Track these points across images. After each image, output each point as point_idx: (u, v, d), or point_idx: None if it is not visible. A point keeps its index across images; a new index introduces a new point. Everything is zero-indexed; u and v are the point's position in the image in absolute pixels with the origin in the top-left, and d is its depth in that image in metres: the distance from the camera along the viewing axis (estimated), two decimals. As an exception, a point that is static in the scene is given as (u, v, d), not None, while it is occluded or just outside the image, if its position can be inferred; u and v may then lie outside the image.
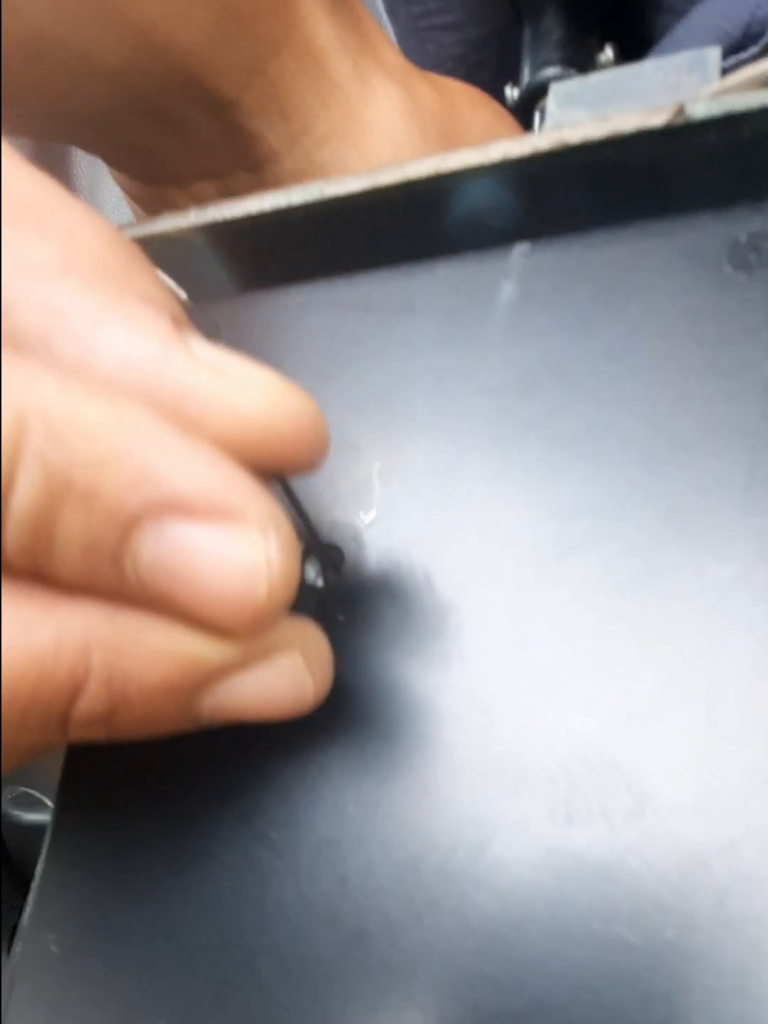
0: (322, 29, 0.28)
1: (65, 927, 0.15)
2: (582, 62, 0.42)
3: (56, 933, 0.15)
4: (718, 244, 0.15)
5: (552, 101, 0.21)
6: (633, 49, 0.45)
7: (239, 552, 0.11)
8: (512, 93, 0.43)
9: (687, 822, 0.12)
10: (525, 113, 0.42)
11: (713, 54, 0.19)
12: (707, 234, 0.15)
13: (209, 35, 0.26)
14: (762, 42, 0.41)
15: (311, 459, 0.13)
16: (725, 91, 0.15)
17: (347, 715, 0.15)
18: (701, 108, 0.15)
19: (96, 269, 0.14)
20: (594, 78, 0.20)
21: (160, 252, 0.21)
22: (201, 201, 0.26)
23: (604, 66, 0.43)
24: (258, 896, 0.14)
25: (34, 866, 0.16)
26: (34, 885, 0.16)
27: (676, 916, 0.12)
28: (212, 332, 0.20)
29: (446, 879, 0.13)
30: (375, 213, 0.18)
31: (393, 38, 0.52)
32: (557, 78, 0.42)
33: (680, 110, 0.15)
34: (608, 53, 0.43)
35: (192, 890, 0.15)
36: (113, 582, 0.11)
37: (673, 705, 0.13)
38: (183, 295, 0.21)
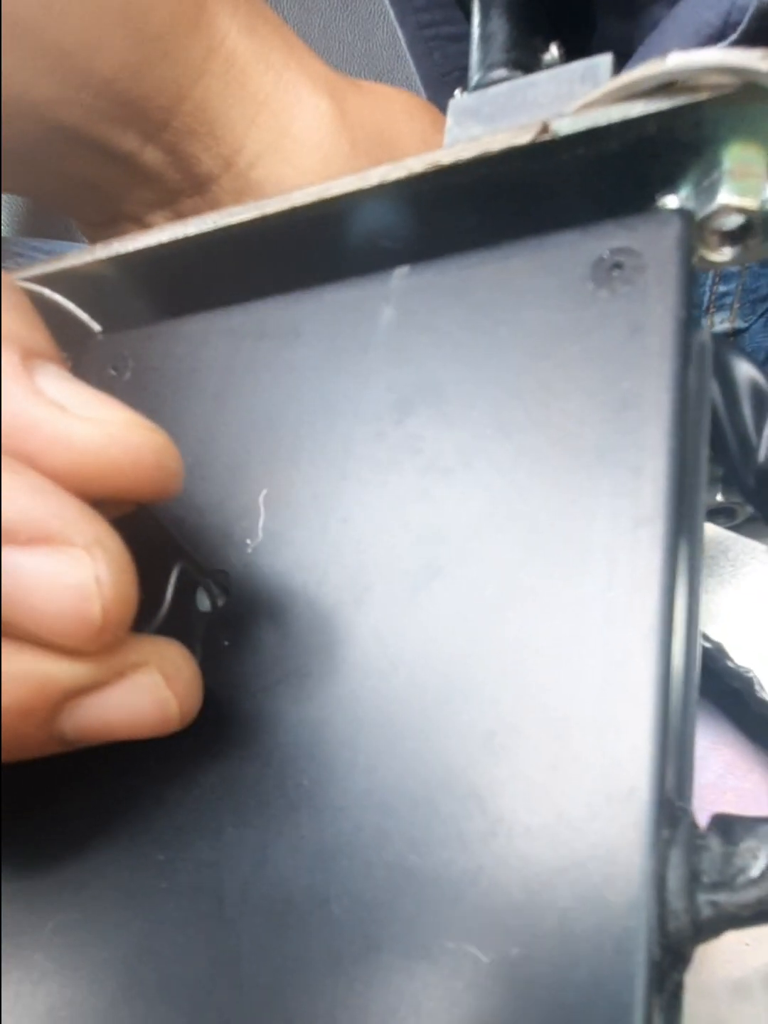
0: (241, 47, 0.28)
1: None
2: (528, 63, 0.42)
3: None
4: (582, 261, 0.15)
5: (450, 117, 0.21)
6: (579, 48, 0.45)
7: (66, 574, 0.12)
8: (461, 95, 0.43)
9: (535, 844, 0.12)
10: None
11: (604, 62, 0.19)
12: (573, 251, 0.15)
13: (128, 60, 0.26)
14: (740, 29, 0.41)
15: (157, 488, 0.13)
16: (589, 105, 0.15)
17: (229, 737, 0.15)
18: (566, 124, 0.15)
19: None
20: (491, 91, 0.21)
21: (72, 286, 0.21)
22: None
23: (550, 66, 0.43)
24: (143, 913, 0.14)
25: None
26: None
27: (522, 935, 0.12)
28: (119, 362, 0.20)
29: (312, 895, 0.13)
30: (266, 241, 0.18)
31: (404, 45, 0.53)
32: (503, 80, 0.42)
33: (545, 127, 0.16)
34: (554, 53, 0.43)
35: (87, 906, 0.15)
36: None
37: (528, 727, 0.13)
38: (96, 327, 0.21)
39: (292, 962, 0.13)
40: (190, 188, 0.31)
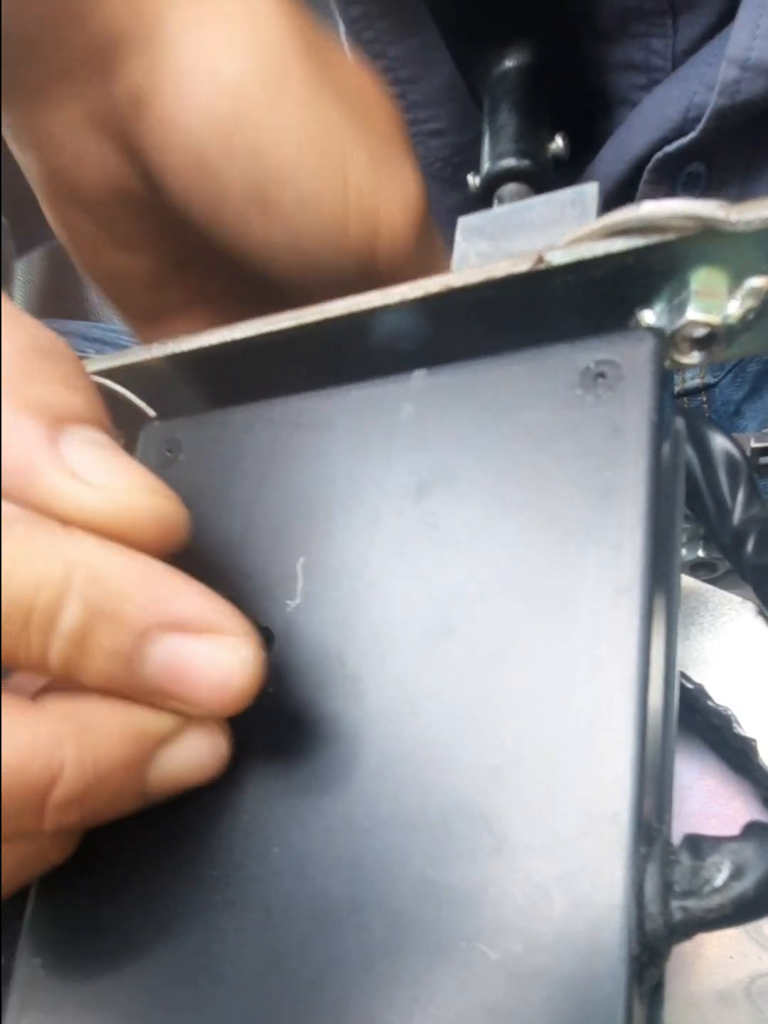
0: None
1: (51, 951, 0.17)
2: (535, 153, 0.45)
3: (42, 957, 0.17)
4: (572, 370, 0.17)
5: (459, 234, 0.23)
6: (584, 138, 0.48)
7: (224, 657, 0.15)
8: (474, 181, 0.45)
9: (536, 858, 0.14)
10: (485, 199, 0.45)
11: (591, 190, 0.22)
12: (563, 361, 0.17)
13: None
14: (698, 127, 0.44)
15: (158, 544, 0.16)
16: (578, 240, 0.18)
17: (274, 771, 0.17)
18: (558, 255, 0.18)
19: None
20: (494, 212, 0.23)
21: (132, 377, 0.23)
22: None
23: (556, 154, 0.45)
24: (201, 921, 0.16)
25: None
26: (27, 919, 0.19)
27: (525, 934, 0.14)
28: (173, 445, 0.22)
29: (346, 904, 0.15)
30: (303, 344, 0.21)
31: None
32: (513, 169, 0.44)
33: (540, 258, 0.18)
34: (558, 143, 0.46)
35: (151, 915, 0.17)
36: (124, 681, 0.14)
37: (526, 761, 0.15)
38: (151, 412, 0.24)
39: (330, 961, 0.15)
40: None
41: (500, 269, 0.18)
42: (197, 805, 0.17)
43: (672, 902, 0.13)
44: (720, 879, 0.13)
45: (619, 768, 0.14)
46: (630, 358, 0.17)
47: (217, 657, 0.15)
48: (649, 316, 0.18)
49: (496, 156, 0.44)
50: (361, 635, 0.17)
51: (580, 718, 0.15)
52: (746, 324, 0.18)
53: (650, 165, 0.45)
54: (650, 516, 0.15)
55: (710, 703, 0.23)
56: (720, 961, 0.23)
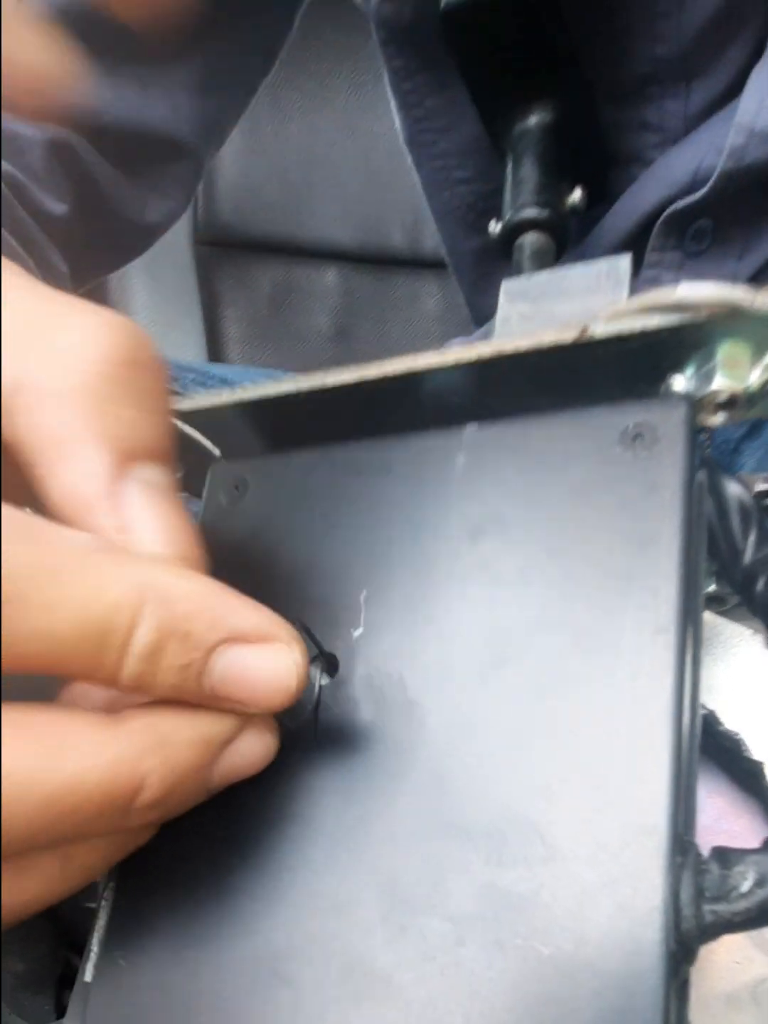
0: None
1: (130, 947, 0.19)
2: (554, 203, 0.47)
3: (123, 950, 0.19)
4: (613, 430, 0.19)
5: (503, 296, 0.25)
6: (599, 190, 0.50)
7: (279, 661, 0.16)
8: (495, 227, 0.47)
9: (584, 866, 0.15)
10: (506, 245, 0.46)
11: (624, 262, 0.24)
12: (605, 422, 0.19)
13: None
14: (706, 186, 0.45)
15: None
16: (618, 315, 0.19)
17: (340, 783, 0.18)
18: (600, 328, 0.19)
19: (72, 399, 0.17)
20: (535, 277, 0.25)
21: (202, 420, 0.25)
22: None
23: (573, 206, 0.47)
24: (273, 922, 0.18)
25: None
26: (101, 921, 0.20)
27: (574, 933, 0.15)
28: (240, 483, 0.24)
29: (415, 903, 0.16)
30: (363, 396, 0.22)
31: (420, 185, 0.58)
32: (533, 219, 0.46)
33: (585, 329, 0.20)
34: (577, 195, 0.48)
35: (229, 917, 0.18)
36: (192, 690, 0.16)
37: (574, 779, 0.16)
38: (216, 452, 0.25)
39: (397, 957, 0.16)
40: None
41: (548, 338, 0.20)
42: (272, 813, 0.19)
43: (704, 906, 0.15)
44: (746, 886, 0.15)
45: (658, 787, 0.15)
46: (666, 422, 0.18)
47: (273, 662, 0.16)
48: (680, 382, 0.20)
49: (517, 206, 0.46)
50: (421, 663, 0.19)
51: (623, 742, 0.16)
52: (765, 392, 0.19)
53: (661, 219, 0.47)
54: (684, 565, 0.17)
55: (721, 728, 0.24)
56: (727, 967, 0.24)
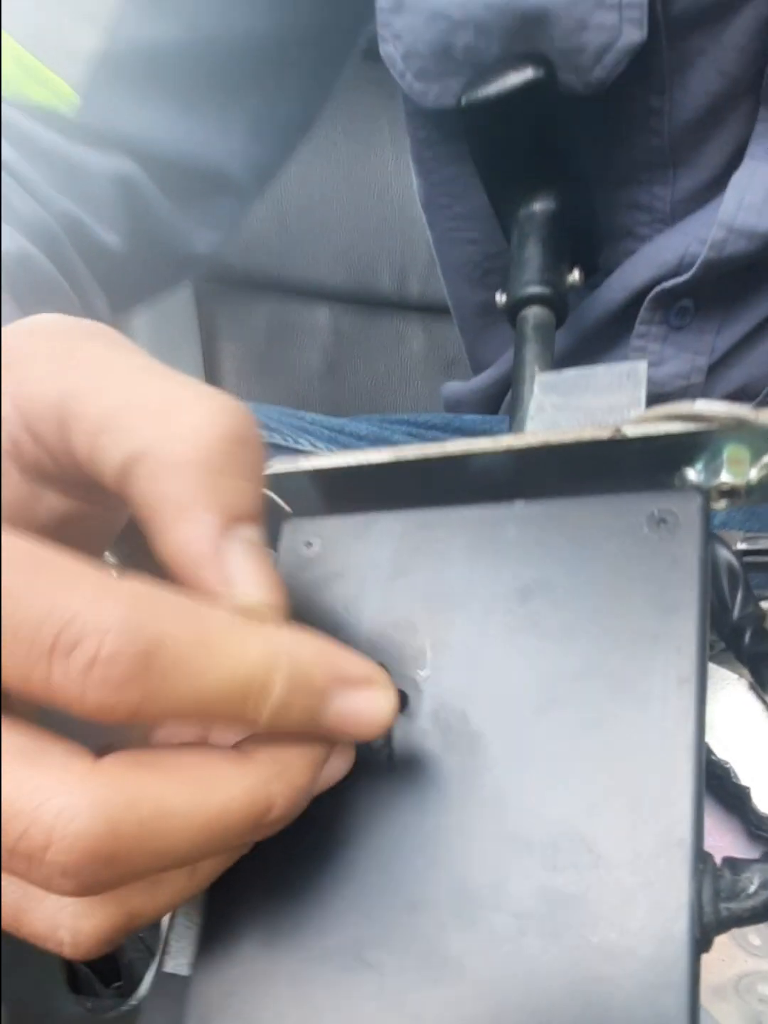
0: None
1: (229, 940, 0.22)
2: (555, 282, 0.51)
3: (222, 943, 0.22)
4: (641, 514, 0.22)
5: (537, 387, 0.28)
6: (593, 262, 0.54)
7: (379, 701, 0.19)
8: (501, 298, 0.51)
9: (624, 871, 0.19)
10: (511, 315, 0.50)
11: (642, 367, 0.27)
12: (634, 506, 0.23)
13: None
14: (690, 271, 0.50)
15: None
16: (645, 420, 0.23)
17: (415, 801, 0.22)
18: (631, 430, 0.23)
19: (191, 469, 0.20)
20: (565, 374, 0.28)
21: (276, 483, 0.28)
22: None
23: (572, 285, 0.51)
24: (356, 918, 0.21)
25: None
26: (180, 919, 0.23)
27: (617, 925, 0.18)
28: (311, 540, 0.27)
29: (483, 900, 0.20)
30: (424, 470, 0.26)
31: (431, 242, 0.62)
32: (536, 295, 0.50)
33: (618, 429, 0.23)
34: (575, 275, 0.52)
35: (319, 914, 0.21)
36: (311, 727, 0.19)
37: (614, 801, 0.20)
38: (288, 509, 0.28)
39: (466, 947, 0.20)
40: None
41: (586, 434, 0.23)
42: (355, 826, 0.22)
43: (719, 904, 0.18)
44: (753, 888, 0.18)
45: (684, 807, 0.19)
46: (685, 509, 0.22)
47: (373, 703, 0.19)
48: (691, 474, 0.24)
49: (522, 284, 0.50)
50: (481, 701, 0.22)
51: (654, 770, 0.20)
52: (762, 485, 0.23)
53: (649, 296, 0.51)
54: (702, 628, 0.21)
55: (714, 757, 0.28)
56: (714, 963, 0.28)
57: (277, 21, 0.51)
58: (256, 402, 0.67)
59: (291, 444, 0.61)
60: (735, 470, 0.23)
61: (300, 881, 0.22)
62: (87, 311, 0.51)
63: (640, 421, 0.23)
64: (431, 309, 1.25)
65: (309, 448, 0.61)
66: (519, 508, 0.24)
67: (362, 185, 1.24)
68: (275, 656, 0.18)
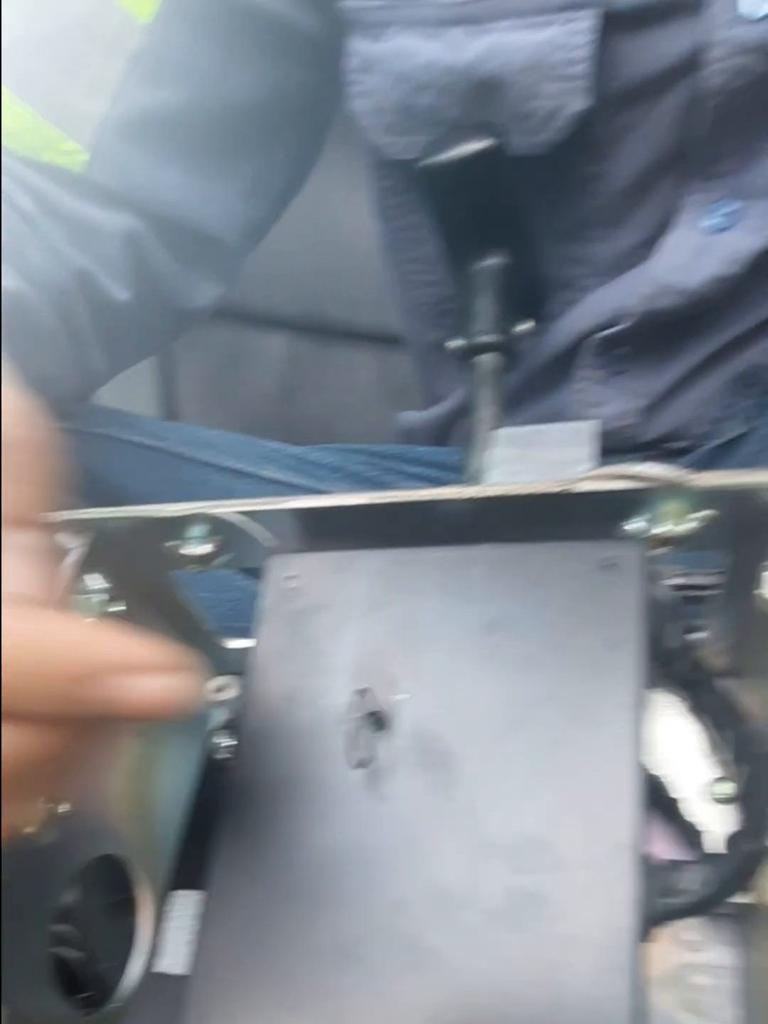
0: None
1: (227, 939, 0.24)
2: (506, 331, 0.54)
3: (221, 942, 0.24)
4: (593, 559, 0.25)
5: (499, 441, 0.31)
6: (540, 310, 0.58)
7: (162, 685, 0.19)
8: (457, 344, 0.54)
9: (579, 872, 0.21)
10: (465, 360, 0.53)
11: (593, 426, 0.30)
12: (587, 553, 0.25)
13: None
14: (626, 322, 0.53)
15: None
16: (595, 477, 0.26)
17: (393, 811, 0.24)
18: (582, 486, 0.26)
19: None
20: (523, 430, 0.31)
21: (264, 521, 0.30)
22: None
23: (521, 333, 0.54)
24: (343, 914, 0.23)
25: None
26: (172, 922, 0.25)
27: (574, 919, 0.21)
28: (293, 575, 0.29)
29: (459, 897, 0.22)
30: (398, 514, 0.28)
31: (393, 283, 0.65)
32: (489, 343, 0.53)
33: (570, 485, 0.26)
34: (526, 326, 0.55)
35: (308, 905, 0.23)
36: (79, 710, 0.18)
37: (572, 808, 0.22)
38: (273, 540, 0.30)
39: (445, 939, 0.22)
40: None
41: (543, 487, 0.26)
42: (341, 834, 0.24)
43: (660, 900, 0.21)
44: (685, 886, 0.21)
45: (630, 816, 0.22)
46: (629, 556, 0.25)
47: (156, 686, 0.18)
48: (634, 524, 0.26)
49: (476, 332, 0.53)
50: (452, 722, 0.25)
51: (605, 784, 0.22)
52: (694, 536, 0.26)
53: (589, 344, 0.55)
54: (643, 661, 0.23)
55: (650, 772, 0.30)
56: (657, 956, 0.30)
57: (271, 88, 0.54)
58: (220, 429, 0.69)
59: (255, 471, 0.62)
60: (671, 523, 0.26)
61: (292, 884, 0.24)
62: (82, 366, 0.53)
63: (590, 478, 0.26)
64: (381, 339, 1.27)
65: (272, 476, 0.63)
66: (484, 551, 0.27)
67: (315, 218, 1.27)
68: (16, 647, 0.18)
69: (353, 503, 0.29)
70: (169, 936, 0.27)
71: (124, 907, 0.42)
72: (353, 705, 0.25)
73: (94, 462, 0.55)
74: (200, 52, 0.51)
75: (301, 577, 0.29)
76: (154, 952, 0.27)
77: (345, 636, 0.27)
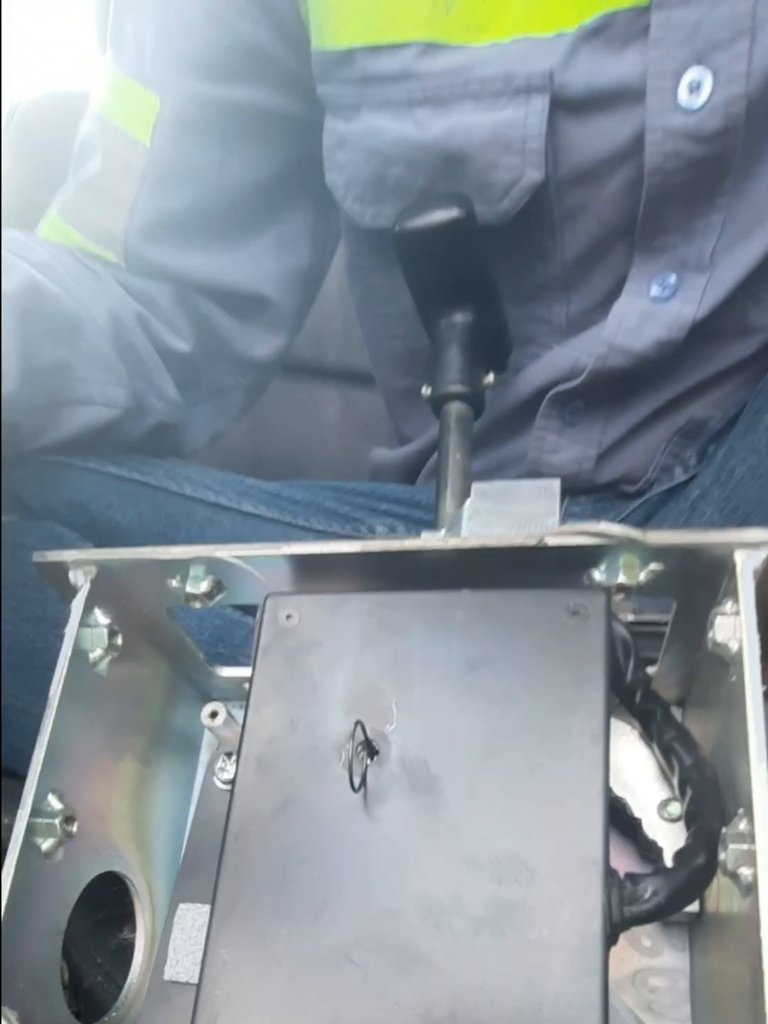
0: None
1: (234, 947, 0.25)
2: (473, 382, 0.56)
3: (228, 950, 0.25)
4: (561, 606, 0.28)
5: (474, 494, 0.33)
6: (503, 364, 0.61)
7: None
8: (426, 392, 0.56)
9: (553, 883, 0.24)
10: (436, 407, 0.56)
11: (555, 484, 0.33)
12: (556, 599, 0.28)
13: None
14: (580, 378, 0.56)
15: None
16: (562, 533, 0.28)
17: (386, 830, 0.26)
18: (551, 540, 0.28)
19: None
20: (495, 484, 0.34)
21: (260, 564, 0.32)
22: None
23: (488, 386, 0.57)
24: (346, 922, 0.25)
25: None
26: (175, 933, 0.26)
27: (549, 925, 0.23)
28: (290, 613, 0.31)
29: (441, 910, 0.24)
30: (386, 560, 0.30)
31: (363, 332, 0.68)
32: (457, 393, 0.56)
33: (541, 539, 0.28)
34: (490, 378, 0.58)
35: (307, 926, 0.25)
36: None
37: (545, 827, 0.24)
38: (264, 579, 0.32)
39: (433, 943, 0.24)
40: None
41: (517, 539, 0.29)
42: (338, 852, 0.26)
43: (624, 907, 0.23)
44: (648, 895, 0.23)
45: (597, 834, 0.24)
46: (593, 603, 0.27)
47: None
48: (596, 574, 0.29)
49: (445, 383, 0.55)
50: (438, 750, 0.27)
51: (574, 805, 0.25)
52: (648, 585, 0.29)
53: (548, 396, 0.58)
54: (607, 695, 0.26)
55: (612, 794, 0.33)
56: (614, 961, 0.32)
57: (271, 167, 0.58)
58: (196, 465, 0.70)
59: (235, 506, 0.64)
60: (628, 573, 0.28)
61: (294, 897, 0.26)
62: (158, 392, 0.59)
63: (559, 533, 0.29)
64: (347, 377, 1.30)
65: (251, 510, 0.65)
66: (465, 596, 0.29)
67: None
68: None
69: (346, 551, 0.31)
70: (177, 946, 0.29)
71: (112, 923, 0.44)
72: (348, 734, 0.27)
73: (84, 495, 0.57)
74: (199, 154, 0.55)
75: (296, 616, 0.31)
76: (163, 961, 0.28)
77: (338, 671, 0.29)
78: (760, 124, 0.46)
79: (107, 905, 0.43)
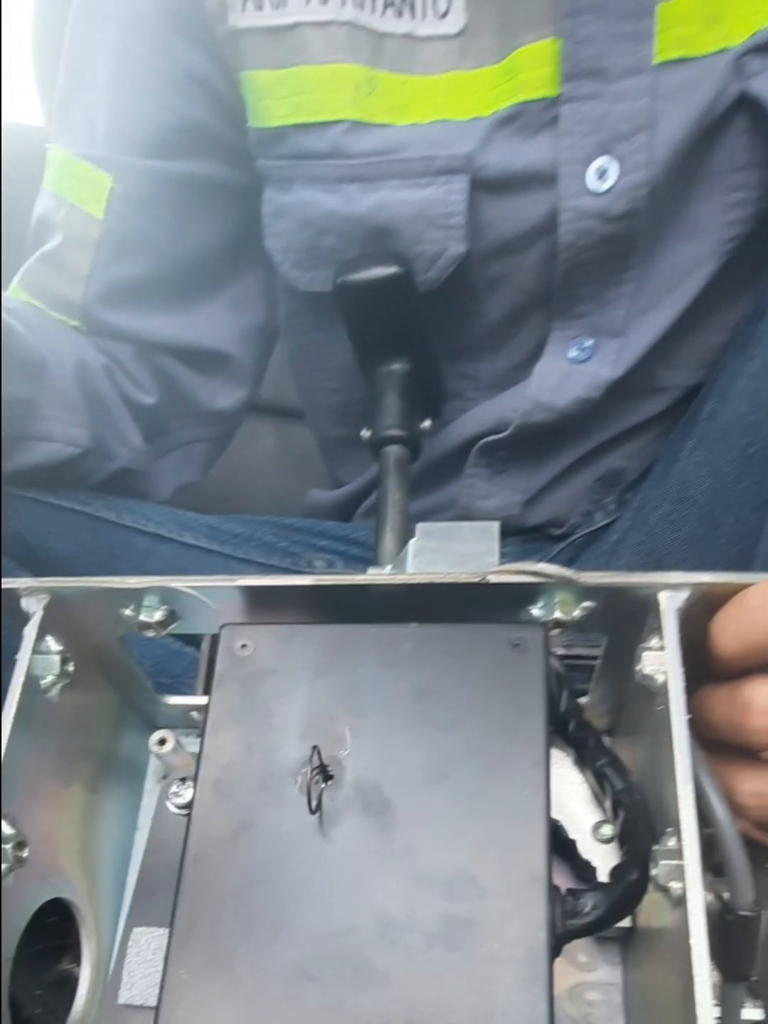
0: None
1: (192, 965, 0.25)
2: (411, 427, 0.58)
3: (186, 968, 0.25)
4: (504, 639, 0.29)
5: (419, 533, 0.35)
6: (437, 413, 0.63)
7: None
8: (366, 434, 0.58)
9: (501, 899, 0.25)
10: (375, 449, 0.57)
11: (494, 526, 0.34)
12: (499, 633, 0.29)
13: None
14: (506, 431, 0.59)
15: None
16: (503, 571, 0.30)
17: (342, 852, 0.26)
18: (493, 577, 0.30)
19: None
20: (439, 525, 0.35)
21: (214, 594, 0.32)
22: None
23: (424, 432, 0.59)
24: (302, 938, 0.25)
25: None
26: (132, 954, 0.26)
27: (498, 938, 0.24)
28: (245, 643, 0.32)
29: (396, 926, 0.25)
30: (337, 594, 0.31)
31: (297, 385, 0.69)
32: (395, 437, 0.57)
33: (484, 576, 0.30)
34: (427, 423, 0.60)
35: (265, 942, 0.25)
36: None
37: (493, 847, 0.25)
38: (214, 605, 0.32)
39: (390, 959, 0.24)
40: None
41: (462, 577, 0.30)
42: (296, 872, 0.26)
43: (566, 921, 0.25)
44: (587, 909, 0.25)
45: (539, 853, 0.25)
46: (532, 637, 0.29)
47: None
48: (535, 610, 0.31)
49: (384, 427, 0.57)
50: (390, 774, 0.28)
51: (518, 825, 0.26)
52: (582, 621, 0.30)
53: (477, 446, 0.60)
54: (547, 723, 0.27)
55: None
56: (556, 976, 0.33)
57: (221, 233, 0.59)
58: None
59: (176, 537, 0.64)
60: (563, 610, 0.30)
61: (252, 917, 0.26)
62: (122, 438, 0.59)
63: (500, 571, 0.30)
64: (282, 412, 1.30)
65: (191, 542, 0.64)
66: (413, 629, 0.30)
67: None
68: None
69: (301, 584, 0.32)
70: (132, 969, 0.28)
71: (51, 955, 0.42)
72: (304, 760, 0.28)
73: (22, 525, 0.56)
74: (152, 226, 0.56)
75: (251, 646, 0.32)
76: (116, 985, 0.28)
77: (293, 699, 0.30)
78: (662, 206, 0.50)
79: (46, 936, 0.42)
